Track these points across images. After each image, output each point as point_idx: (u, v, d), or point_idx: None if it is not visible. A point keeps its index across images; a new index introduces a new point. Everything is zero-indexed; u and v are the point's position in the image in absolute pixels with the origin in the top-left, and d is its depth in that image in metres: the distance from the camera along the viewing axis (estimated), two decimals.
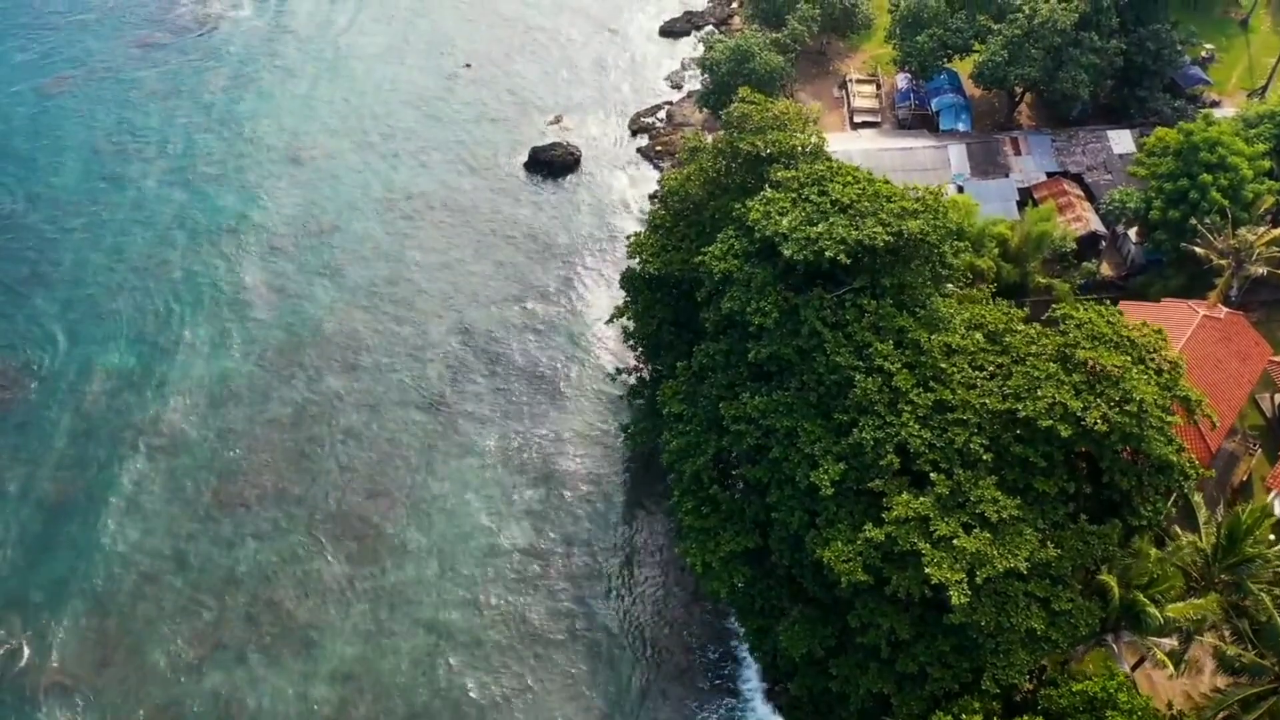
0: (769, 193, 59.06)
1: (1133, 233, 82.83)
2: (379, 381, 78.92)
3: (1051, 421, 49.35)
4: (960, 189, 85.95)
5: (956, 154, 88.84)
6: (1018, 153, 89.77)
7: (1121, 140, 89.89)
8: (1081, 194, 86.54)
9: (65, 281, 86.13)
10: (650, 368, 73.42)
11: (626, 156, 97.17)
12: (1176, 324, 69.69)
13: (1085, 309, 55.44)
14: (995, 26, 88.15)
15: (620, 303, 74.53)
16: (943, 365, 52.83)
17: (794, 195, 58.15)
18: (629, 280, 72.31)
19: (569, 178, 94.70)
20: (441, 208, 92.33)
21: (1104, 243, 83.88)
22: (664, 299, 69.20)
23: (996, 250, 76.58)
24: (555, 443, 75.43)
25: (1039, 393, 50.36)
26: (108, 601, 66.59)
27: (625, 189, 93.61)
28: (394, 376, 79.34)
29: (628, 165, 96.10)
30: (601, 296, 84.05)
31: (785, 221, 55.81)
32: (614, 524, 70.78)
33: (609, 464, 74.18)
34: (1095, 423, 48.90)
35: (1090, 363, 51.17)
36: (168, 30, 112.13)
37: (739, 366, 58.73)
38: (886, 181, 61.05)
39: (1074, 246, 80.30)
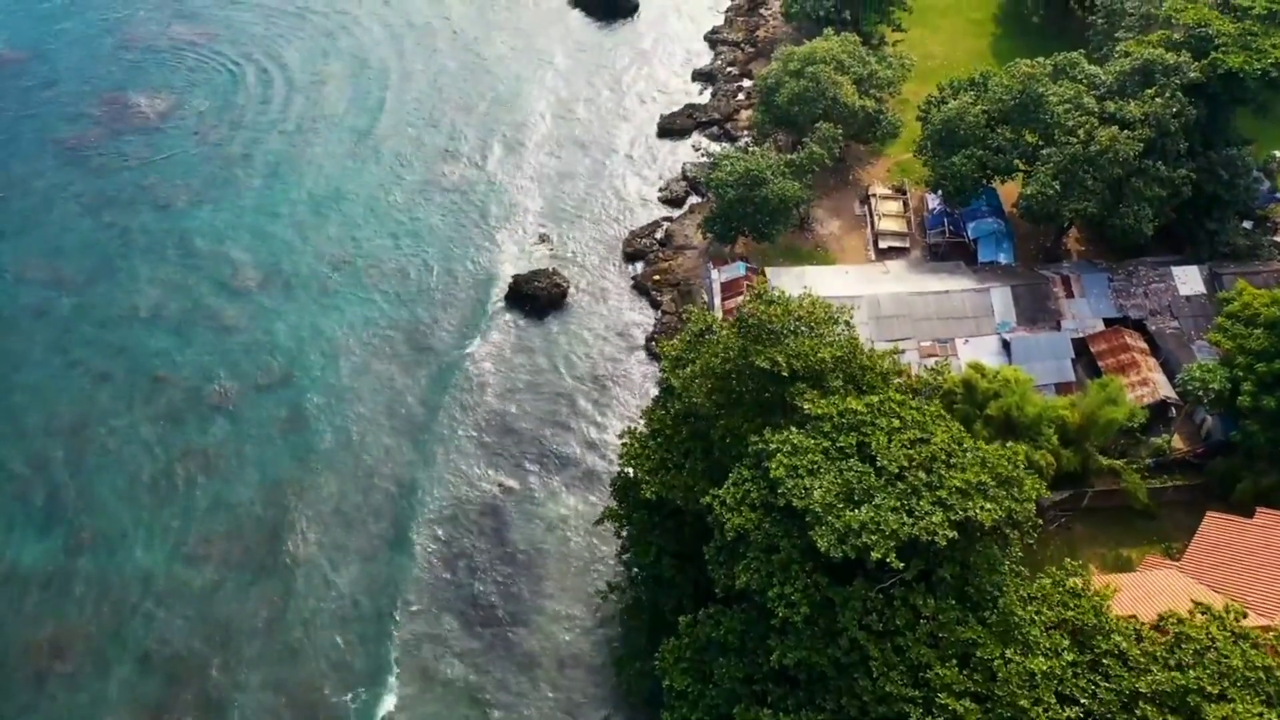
0: (793, 436, 47.17)
1: None
2: (319, 590, 66.50)
3: None
4: (1006, 343, 74.31)
5: (1000, 299, 76.83)
6: (1070, 294, 77.83)
7: (1189, 279, 77.98)
8: (1145, 348, 74.67)
9: None
10: (646, 591, 61.34)
11: (619, 288, 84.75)
12: (1278, 550, 58.21)
13: (1202, 614, 43.54)
14: (1045, 151, 76.28)
15: (612, 505, 63.01)
16: (1024, 704, 40.86)
17: (825, 445, 46.34)
18: (622, 489, 60.76)
19: (554, 317, 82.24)
20: (402, 360, 79.44)
21: (1174, 410, 72.08)
22: (663, 524, 57.36)
23: (1055, 436, 65.08)
24: (533, 668, 63.41)
25: None
26: None
27: (617, 335, 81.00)
28: (339, 580, 67.12)
29: (620, 301, 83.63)
30: (589, 481, 71.84)
31: (817, 491, 43.97)
32: None
33: (598, 701, 62.13)
34: None
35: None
36: (107, 128, 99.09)
37: (758, 655, 46.94)
38: (942, 416, 49.34)
39: (1144, 421, 68.59)
